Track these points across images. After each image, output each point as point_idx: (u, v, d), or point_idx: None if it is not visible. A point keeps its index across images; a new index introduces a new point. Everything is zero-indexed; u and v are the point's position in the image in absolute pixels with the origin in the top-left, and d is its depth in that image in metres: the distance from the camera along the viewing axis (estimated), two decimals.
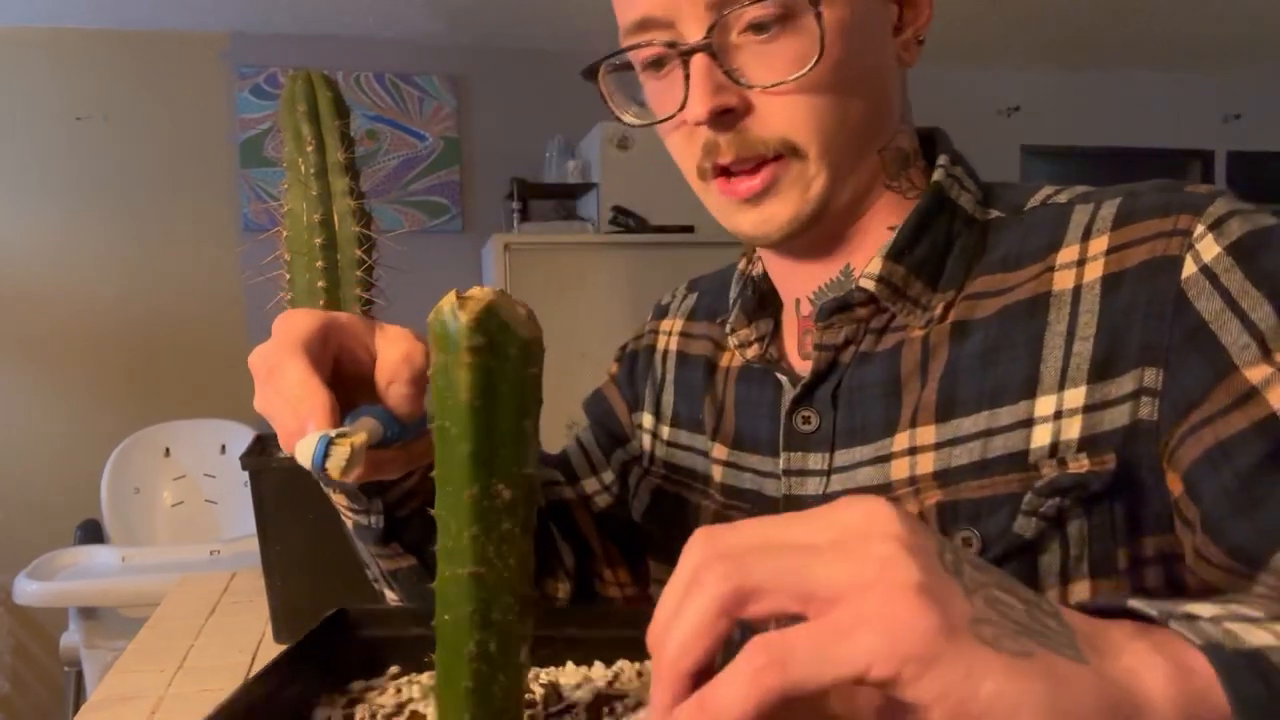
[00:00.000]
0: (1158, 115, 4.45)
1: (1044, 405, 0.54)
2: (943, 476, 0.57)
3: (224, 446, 2.79)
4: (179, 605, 1.37)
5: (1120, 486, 0.53)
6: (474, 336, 0.35)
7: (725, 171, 0.60)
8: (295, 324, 0.48)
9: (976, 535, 0.55)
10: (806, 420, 0.63)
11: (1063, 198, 0.60)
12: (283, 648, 1.15)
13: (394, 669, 0.51)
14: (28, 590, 1.98)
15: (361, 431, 0.44)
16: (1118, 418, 0.53)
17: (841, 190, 0.60)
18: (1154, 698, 0.30)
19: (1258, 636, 0.33)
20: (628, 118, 0.64)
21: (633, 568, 0.80)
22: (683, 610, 0.31)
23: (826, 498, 0.62)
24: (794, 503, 0.64)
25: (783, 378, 0.66)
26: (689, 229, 3.23)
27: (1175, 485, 0.52)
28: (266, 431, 0.92)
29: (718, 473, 0.71)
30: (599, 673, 0.49)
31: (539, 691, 0.45)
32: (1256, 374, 0.49)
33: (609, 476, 0.80)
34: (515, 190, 3.52)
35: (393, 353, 0.49)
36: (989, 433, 0.56)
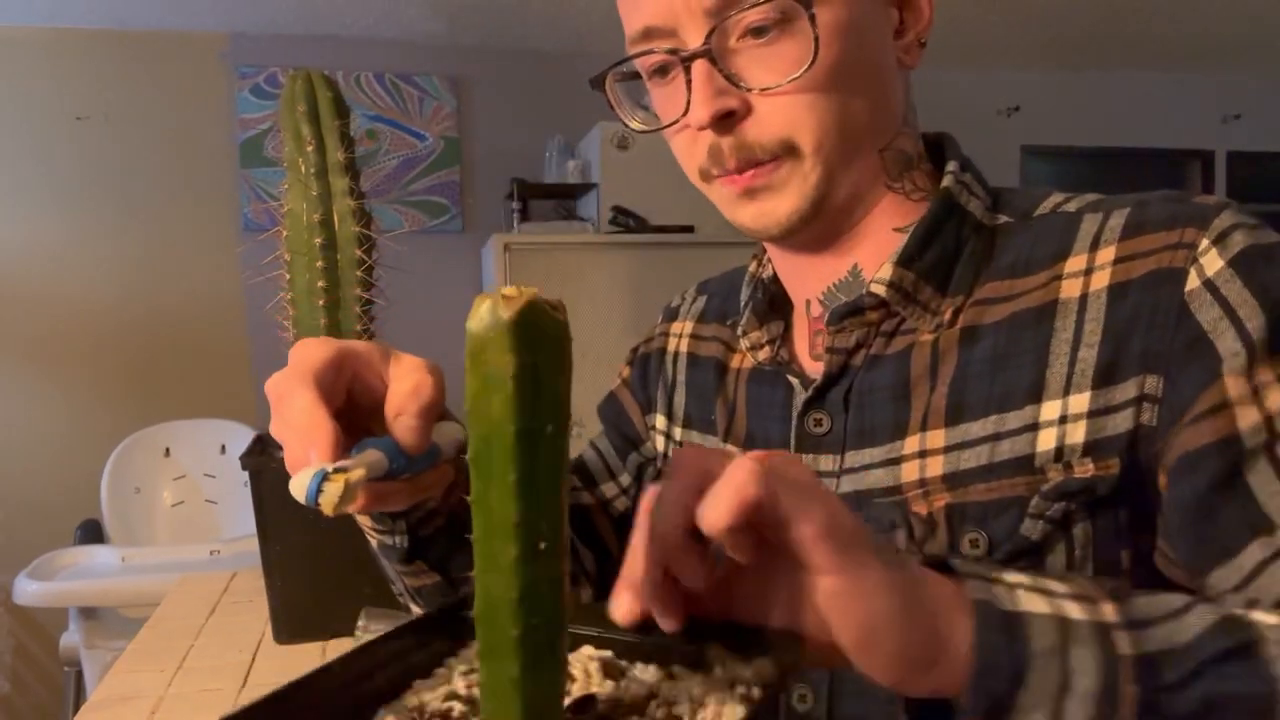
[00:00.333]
0: (1157, 115, 4.46)
1: (1050, 410, 0.55)
2: (951, 479, 0.57)
3: (224, 446, 2.79)
4: (179, 605, 1.37)
5: (1124, 490, 0.54)
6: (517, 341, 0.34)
7: (728, 171, 0.61)
8: (309, 353, 0.48)
9: (984, 537, 0.56)
10: (818, 422, 0.64)
11: (1072, 206, 0.61)
12: (282, 648, 1.16)
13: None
14: (28, 590, 1.99)
15: (360, 468, 0.44)
16: (1121, 423, 0.53)
17: (838, 187, 0.61)
18: (955, 635, 0.40)
19: (1033, 603, 0.42)
20: (634, 124, 0.66)
21: None
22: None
23: None
24: None
25: (794, 380, 0.66)
26: (689, 229, 3.24)
27: (1163, 485, 0.53)
28: (266, 432, 0.92)
29: None
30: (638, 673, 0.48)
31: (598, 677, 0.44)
32: (1235, 387, 0.50)
33: (626, 479, 0.81)
34: (515, 190, 3.52)
35: (403, 385, 0.48)
36: (997, 437, 0.56)
